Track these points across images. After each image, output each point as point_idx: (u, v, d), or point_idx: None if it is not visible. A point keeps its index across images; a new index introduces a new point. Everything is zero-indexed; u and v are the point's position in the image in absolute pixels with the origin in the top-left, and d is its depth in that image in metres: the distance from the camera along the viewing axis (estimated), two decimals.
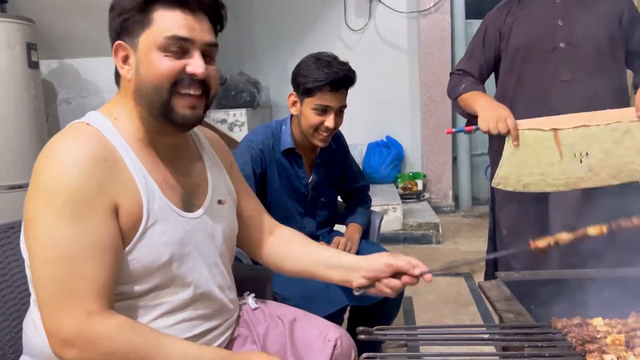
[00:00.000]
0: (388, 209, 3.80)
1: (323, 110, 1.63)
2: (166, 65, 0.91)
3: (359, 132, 4.52)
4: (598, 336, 0.87)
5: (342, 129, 1.88)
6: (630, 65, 1.75)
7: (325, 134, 1.65)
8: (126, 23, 0.92)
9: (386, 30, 4.76)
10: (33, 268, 0.87)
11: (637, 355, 0.81)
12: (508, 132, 1.59)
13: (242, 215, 1.18)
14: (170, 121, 0.94)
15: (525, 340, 0.88)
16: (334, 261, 1.12)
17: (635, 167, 1.57)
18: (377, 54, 4.74)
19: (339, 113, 1.66)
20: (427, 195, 4.60)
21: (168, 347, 0.87)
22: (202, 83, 0.94)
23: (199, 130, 1.14)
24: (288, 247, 1.20)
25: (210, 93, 0.97)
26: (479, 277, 3.07)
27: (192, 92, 0.93)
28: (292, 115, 1.74)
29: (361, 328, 0.89)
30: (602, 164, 1.57)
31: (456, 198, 4.78)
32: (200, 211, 1.01)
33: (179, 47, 0.92)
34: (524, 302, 1.05)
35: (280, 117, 1.87)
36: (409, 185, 4.53)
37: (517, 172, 1.63)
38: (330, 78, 1.58)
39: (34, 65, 2.88)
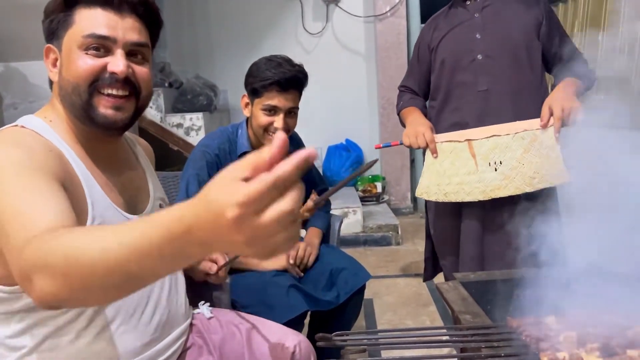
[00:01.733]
0: (348, 212, 3.81)
1: (271, 111, 1.62)
2: (84, 63, 0.89)
3: (318, 135, 4.52)
4: (551, 334, 0.89)
5: (301, 132, 1.87)
6: (549, 70, 1.84)
7: (275, 135, 1.64)
8: (52, 25, 0.92)
9: (343, 34, 4.79)
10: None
11: (589, 352, 0.83)
12: (427, 146, 1.75)
13: None
14: (94, 122, 0.91)
15: (482, 340, 0.89)
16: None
17: (544, 173, 1.63)
18: (335, 57, 4.76)
19: (290, 115, 1.65)
20: (386, 197, 4.64)
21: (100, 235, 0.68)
22: (128, 83, 0.92)
23: (134, 138, 1.15)
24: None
25: (141, 95, 0.95)
26: (439, 278, 3.11)
27: (114, 92, 0.91)
28: (247, 119, 1.71)
29: (320, 335, 0.88)
30: (515, 171, 1.66)
31: (414, 200, 4.85)
32: (145, 213, 1.01)
33: (100, 45, 0.90)
34: (481, 302, 1.06)
35: (237, 121, 1.85)
36: (369, 188, 4.57)
37: (437, 181, 1.76)
38: (277, 77, 1.58)
39: None
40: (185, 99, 3.93)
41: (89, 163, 0.94)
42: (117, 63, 0.90)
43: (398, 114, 2.02)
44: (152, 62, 1.03)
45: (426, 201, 1.98)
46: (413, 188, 4.82)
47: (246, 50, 4.52)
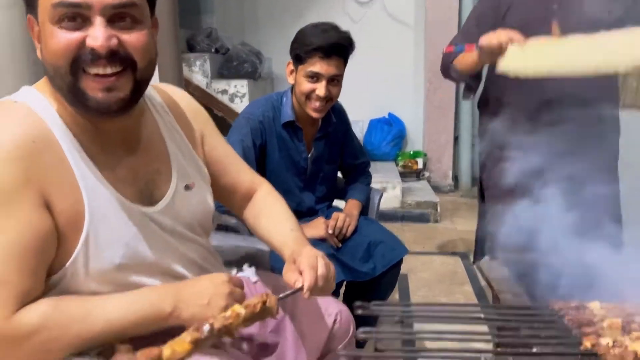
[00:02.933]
0: (387, 187, 3.79)
1: (314, 77, 1.60)
2: (58, 41, 0.75)
3: (360, 108, 4.47)
4: (595, 320, 0.87)
5: (343, 104, 1.85)
6: None
7: (317, 103, 1.63)
8: None
9: (393, 5, 4.67)
10: None
11: (633, 340, 0.81)
12: (508, 43, 1.45)
13: (224, 184, 1.11)
14: (87, 108, 0.79)
15: (521, 320, 0.88)
16: (276, 246, 1.07)
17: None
18: (382, 28, 4.66)
19: (333, 82, 1.63)
20: (426, 174, 4.59)
21: (101, 310, 0.79)
22: (117, 57, 0.77)
23: (158, 96, 1.00)
24: (259, 216, 1.13)
25: (137, 66, 0.80)
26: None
27: (101, 71, 0.76)
28: (292, 87, 1.71)
29: (359, 303, 0.88)
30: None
31: (455, 178, 4.77)
32: (162, 203, 0.91)
33: (75, 14, 0.74)
34: (522, 283, 1.04)
35: (281, 89, 1.85)
36: (409, 164, 4.52)
37: (522, 56, 1.46)
38: (320, 43, 1.57)
39: None
40: (230, 65, 3.95)
41: (96, 147, 0.83)
42: (95, 35, 0.74)
43: (451, 62, 1.77)
44: (156, 21, 0.88)
45: (481, 181, 1.88)
46: (455, 166, 4.73)
47: (292, 18, 4.48)
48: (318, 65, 1.59)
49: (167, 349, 0.69)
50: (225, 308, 0.84)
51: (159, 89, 1.04)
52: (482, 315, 0.94)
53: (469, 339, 0.79)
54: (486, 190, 1.87)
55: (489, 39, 1.48)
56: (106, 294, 0.84)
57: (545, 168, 1.57)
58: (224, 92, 3.87)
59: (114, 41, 0.77)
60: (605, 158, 1.67)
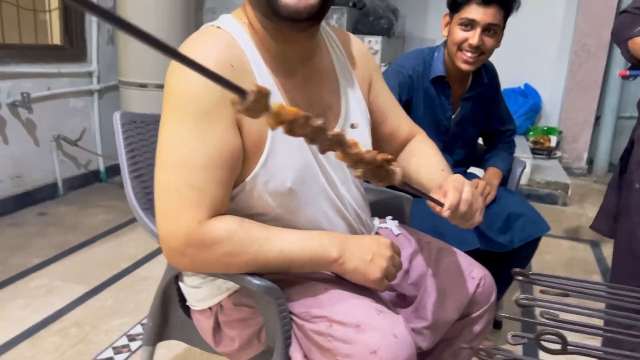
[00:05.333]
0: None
1: (468, 25, 1.53)
2: None
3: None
4: None
5: None
6: None
7: (469, 54, 1.55)
8: None
9: None
10: (155, 172, 0.85)
11: None
12: None
13: (383, 131, 1.13)
14: (279, 16, 0.82)
15: None
16: (424, 182, 1.06)
17: None
18: None
19: (489, 33, 1.54)
20: (559, 153, 4.27)
21: (279, 239, 0.85)
22: None
23: (336, 36, 1.04)
24: (411, 157, 1.14)
25: None
26: (607, 247, 2.84)
27: None
28: (445, 42, 1.64)
29: (518, 270, 0.84)
30: None
31: (590, 161, 4.40)
32: None
33: None
34: None
35: (413, 48, 1.77)
36: (541, 140, 4.23)
37: None
38: None
39: None
40: (367, 21, 3.90)
41: (279, 74, 0.89)
42: None
43: (626, 40, 1.60)
44: None
45: (630, 147, 1.65)
46: (592, 148, 4.36)
47: None
48: (474, 11, 1.51)
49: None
50: (385, 270, 0.87)
51: (336, 30, 1.07)
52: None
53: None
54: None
55: None
56: (274, 216, 0.90)
57: None
58: None
59: None
60: None
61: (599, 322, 1.05)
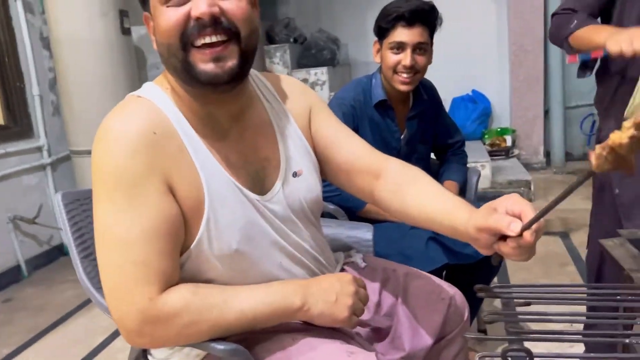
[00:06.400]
0: (476, 167, 3.66)
1: (399, 48, 1.58)
2: (168, 18, 0.80)
3: (443, 86, 4.24)
4: None
5: None
6: None
7: (405, 75, 1.60)
8: None
9: None
10: (97, 252, 0.82)
11: None
12: None
13: (339, 160, 1.01)
14: (198, 82, 0.81)
15: None
16: (444, 222, 0.88)
17: None
18: (462, 0, 4.48)
19: (420, 51, 1.59)
20: (516, 151, 4.39)
21: (237, 300, 0.82)
22: (220, 26, 0.79)
23: (267, 81, 1.01)
24: (402, 186, 0.96)
25: (241, 35, 0.81)
26: (576, 236, 2.90)
27: (207, 39, 0.79)
28: (380, 68, 1.68)
29: (480, 285, 0.84)
30: None
31: (547, 154, 4.53)
32: (272, 192, 0.91)
33: None
34: None
35: (359, 74, 1.82)
36: (497, 142, 4.34)
37: None
38: (401, 11, 1.54)
39: (126, 31, 2.98)
40: (309, 54, 3.97)
41: (209, 135, 0.87)
42: (197, 6, 0.78)
43: (566, 38, 1.59)
44: (257, 1, 0.89)
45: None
46: (546, 141, 4.49)
47: (367, 1, 4.42)
48: (401, 34, 1.57)
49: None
50: (352, 307, 0.87)
51: (266, 74, 1.05)
52: (619, 297, 0.87)
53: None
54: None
55: (619, 45, 1.29)
56: (227, 277, 0.87)
57: None
58: (305, 81, 3.90)
59: (216, 9, 0.79)
60: None
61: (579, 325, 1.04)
